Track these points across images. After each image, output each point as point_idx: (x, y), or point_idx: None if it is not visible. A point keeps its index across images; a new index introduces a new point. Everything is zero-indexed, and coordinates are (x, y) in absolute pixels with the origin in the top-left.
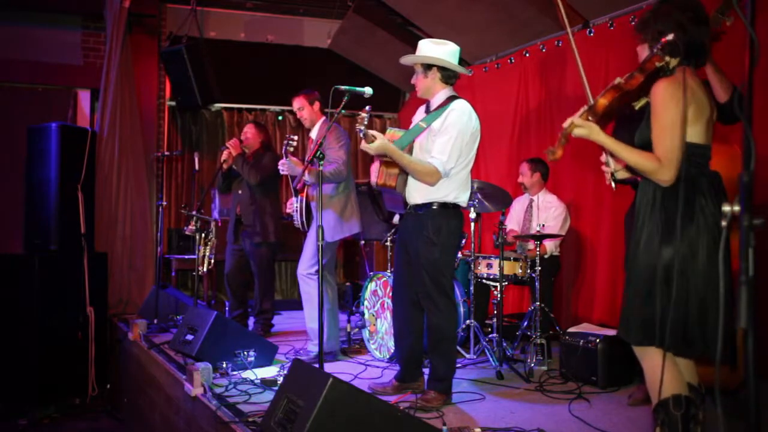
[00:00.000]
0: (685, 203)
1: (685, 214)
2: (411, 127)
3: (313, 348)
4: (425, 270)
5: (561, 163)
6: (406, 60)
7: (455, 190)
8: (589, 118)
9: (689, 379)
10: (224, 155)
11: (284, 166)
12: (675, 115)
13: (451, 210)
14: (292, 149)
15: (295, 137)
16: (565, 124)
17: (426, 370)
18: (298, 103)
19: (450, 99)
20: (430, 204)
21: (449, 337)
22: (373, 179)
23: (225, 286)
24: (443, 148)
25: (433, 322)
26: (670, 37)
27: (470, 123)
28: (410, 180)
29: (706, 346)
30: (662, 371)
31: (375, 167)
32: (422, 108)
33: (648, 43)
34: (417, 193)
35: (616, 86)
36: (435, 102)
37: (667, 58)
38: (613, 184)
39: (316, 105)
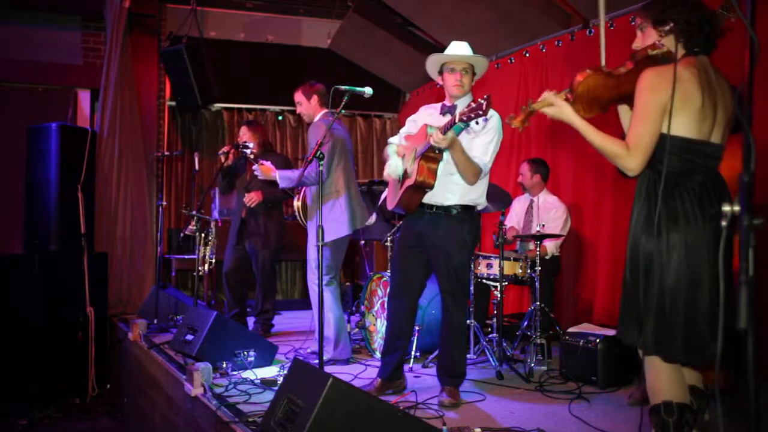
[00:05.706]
0: (663, 198)
1: (666, 210)
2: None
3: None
4: (456, 271)
5: (561, 163)
6: (467, 57)
7: (484, 193)
8: (568, 96)
9: (693, 381)
10: (224, 151)
11: (258, 172)
12: (650, 103)
13: (477, 213)
14: (251, 155)
15: (251, 144)
16: (541, 98)
17: (405, 368)
18: (297, 98)
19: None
20: (466, 206)
21: (465, 334)
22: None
23: (223, 285)
24: (485, 149)
25: (454, 321)
26: (670, 25)
27: (502, 131)
28: (442, 179)
29: (692, 353)
30: (641, 371)
31: (406, 165)
32: (431, 108)
33: (651, 25)
34: (452, 195)
35: (599, 68)
36: (462, 103)
37: (665, 48)
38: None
39: (314, 99)
